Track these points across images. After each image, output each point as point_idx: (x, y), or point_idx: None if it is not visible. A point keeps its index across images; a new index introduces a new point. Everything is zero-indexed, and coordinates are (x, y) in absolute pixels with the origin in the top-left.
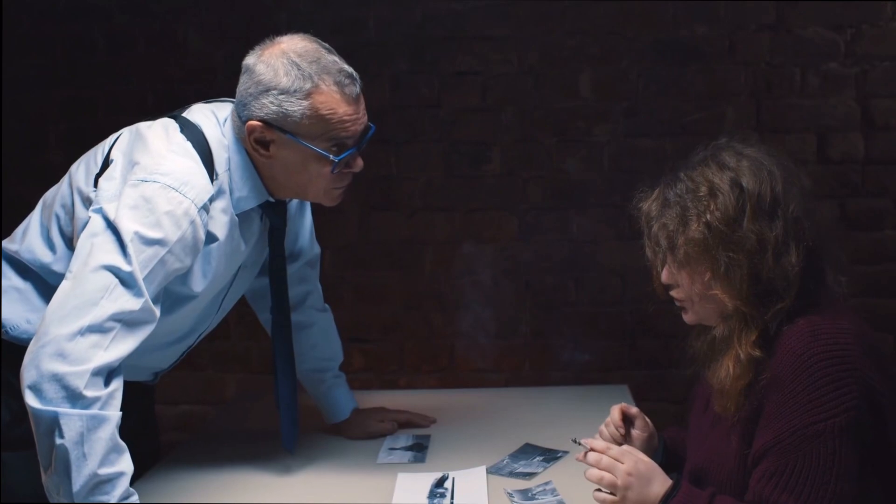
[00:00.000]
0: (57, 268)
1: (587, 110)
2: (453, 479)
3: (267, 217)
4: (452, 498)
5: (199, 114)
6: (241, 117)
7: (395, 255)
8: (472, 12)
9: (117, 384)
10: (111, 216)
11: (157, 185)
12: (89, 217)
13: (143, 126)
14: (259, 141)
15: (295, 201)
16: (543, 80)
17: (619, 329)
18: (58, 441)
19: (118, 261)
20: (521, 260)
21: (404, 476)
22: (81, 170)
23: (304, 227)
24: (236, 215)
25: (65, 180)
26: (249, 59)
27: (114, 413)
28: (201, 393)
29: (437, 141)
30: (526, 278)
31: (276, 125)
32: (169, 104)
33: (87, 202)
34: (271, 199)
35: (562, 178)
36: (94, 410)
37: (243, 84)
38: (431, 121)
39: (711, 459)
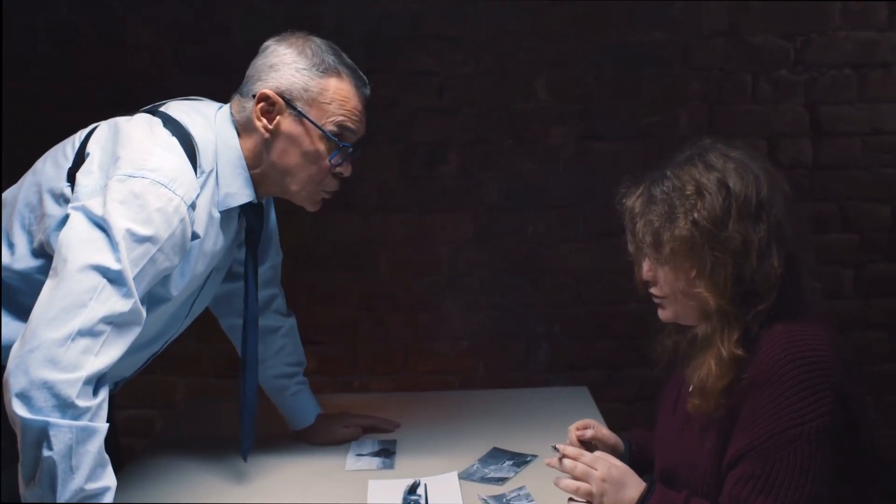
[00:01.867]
0: (18, 266)
1: (544, 112)
2: (425, 485)
3: (245, 218)
4: None
5: (178, 110)
6: (250, 92)
7: (350, 257)
8: (429, 12)
9: (105, 394)
10: (97, 212)
11: (147, 181)
12: (66, 214)
13: (122, 120)
14: (266, 112)
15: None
16: (500, 81)
17: (575, 330)
18: (45, 453)
19: (106, 259)
20: (477, 261)
21: (375, 483)
22: (49, 165)
23: (271, 231)
24: (219, 213)
25: (27, 178)
26: (270, 42)
27: (102, 425)
28: (150, 397)
29: (393, 141)
30: (481, 279)
31: (289, 97)
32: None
33: (61, 198)
34: (256, 201)
35: (518, 180)
36: (84, 422)
37: (260, 60)
38: (387, 121)
39: (683, 460)
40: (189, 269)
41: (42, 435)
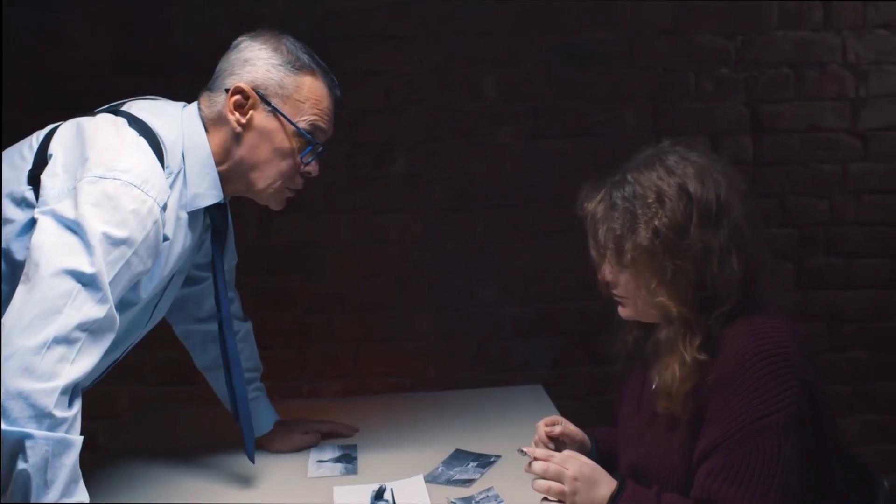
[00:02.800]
0: None
1: (491, 112)
2: (391, 489)
3: (210, 218)
4: None
5: (141, 109)
6: (222, 86)
7: (297, 259)
8: (376, 10)
9: (79, 405)
10: (69, 215)
11: (119, 183)
12: (30, 219)
13: (85, 120)
14: (239, 106)
15: None
16: (448, 80)
17: (524, 329)
18: (20, 465)
19: (80, 263)
20: (426, 261)
21: (340, 489)
22: (5, 169)
23: (228, 233)
24: (187, 213)
25: None
26: (243, 37)
27: (77, 438)
28: (92, 407)
29: (340, 141)
30: (430, 280)
31: (263, 93)
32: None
33: (23, 202)
34: (223, 202)
35: (466, 179)
36: (60, 434)
37: (233, 55)
38: (334, 121)
39: (651, 456)
40: (157, 272)
41: (18, 447)
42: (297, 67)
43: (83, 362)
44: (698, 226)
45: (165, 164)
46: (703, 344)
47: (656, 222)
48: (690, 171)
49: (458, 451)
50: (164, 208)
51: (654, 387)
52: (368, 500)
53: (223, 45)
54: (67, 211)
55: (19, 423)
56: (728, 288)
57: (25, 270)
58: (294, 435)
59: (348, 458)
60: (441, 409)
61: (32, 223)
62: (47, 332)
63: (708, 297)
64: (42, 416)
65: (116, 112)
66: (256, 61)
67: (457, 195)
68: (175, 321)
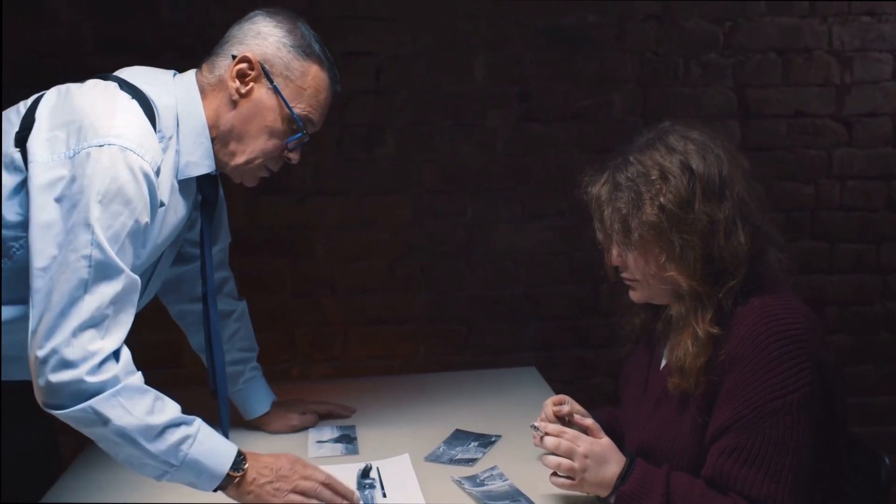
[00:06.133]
0: None
1: (481, 94)
2: (378, 468)
3: (202, 191)
4: (383, 487)
5: (132, 74)
6: (229, 52)
7: (285, 241)
8: None
9: (126, 353)
10: (66, 192)
11: (115, 148)
12: (19, 182)
13: (74, 86)
14: (242, 75)
15: None
16: (437, 62)
17: (513, 312)
18: (105, 429)
19: (86, 247)
20: (415, 244)
21: (326, 469)
22: None
23: (221, 212)
24: (178, 182)
25: None
26: (259, 11)
27: (134, 378)
28: None
29: (329, 123)
30: (420, 263)
31: (268, 69)
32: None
33: (10, 165)
34: (214, 172)
35: (456, 162)
36: (119, 385)
37: (246, 25)
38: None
39: (661, 436)
40: (151, 239)
41: (93, 417)
42: (307, 54)
43: (116, 333)
44: (702, 200)
45: (158, 128)
46: (715, 318)
47: (661, 199)
48: (692, 148)
49: (458, 431)
50: (157, 172)
51: (661, 367)
52: (355, 479)
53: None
54: (64, 186)
55: (79, 402)
56: (736, 260)
57: (33, 261)
58: (291, 415)
59: (348, 439)
60: (436, 390)
61: (21, 186)
62: (72, 324)
63: (717, 270)
64: (94, 392)
65: (106, 77)
66: (269, 37)
67: (446, 178)
68: (170, 302)
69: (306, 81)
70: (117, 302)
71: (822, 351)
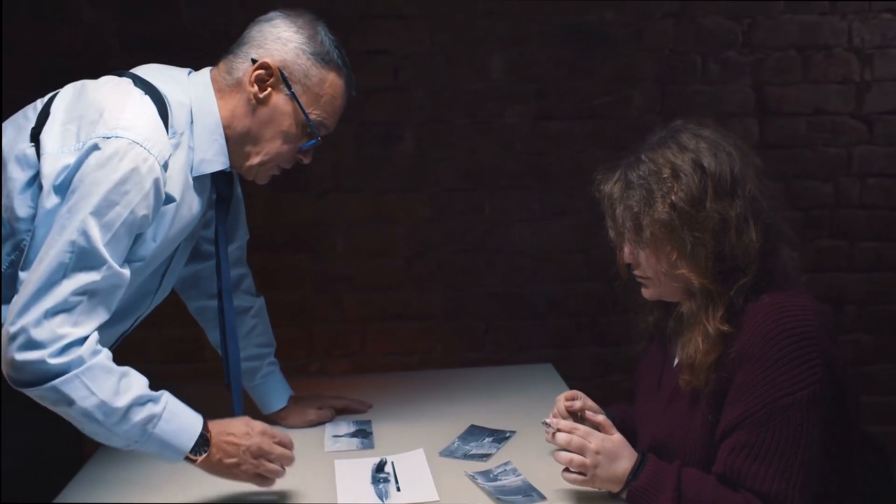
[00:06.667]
0: None
1: (498, 92)
2: (392, 462)
3: (216, 187)
4: (397, 482)
5: (147, 72)
6: (248, 54)
7: (305, 238)
8: None
9: (94, 335)
10: (69, 180)
11: (123, 141)
12: (31, 176)
13: (90, 82)
14: (260, 79)
15: None
16: (455, 60)
17: (530, 309)
18: (69, 409)
19: (74, 233)
20: (433, 241)
21: (342, 462)
22: (9, 130)
23: (238, 208)
24: (193, 178)
25: None
26: (278, 13)
27: (99, 358)
28: None
29: (348, 121)
30: (438, 260)
31: (286, 75)
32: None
33: (24, 160)
34: (229, 169)
35: (473, 160)
36: (82, 368)
37: (266, 27)
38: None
39: (673, 433)
40: (162, 232)
41: (57, 397)
42: (326, 62)
43: (87, 323)
44: (714, 198)
45: (170, 125)
46: (725, 316)
47: (672, 197)
48: (703, 146)
49: (472, 426)
50: (165, 166)
51: (675, 364)
52: (369, 473)
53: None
54: (66, 175)
55: (43, 382)
56: (747, 258)
57: (38, 241)
58: (309, 410)
59: (363, 434)
60: (453, 386)
61: (33, 180)
62: (44, 306)
63: (728, 268)
64: (56, 373)
65: (121, 73)
66: (289, 43)
67: (464, 175)
68: (189, 298)
69: (324, 88)
70: (94, 293)
71: (833, 348)
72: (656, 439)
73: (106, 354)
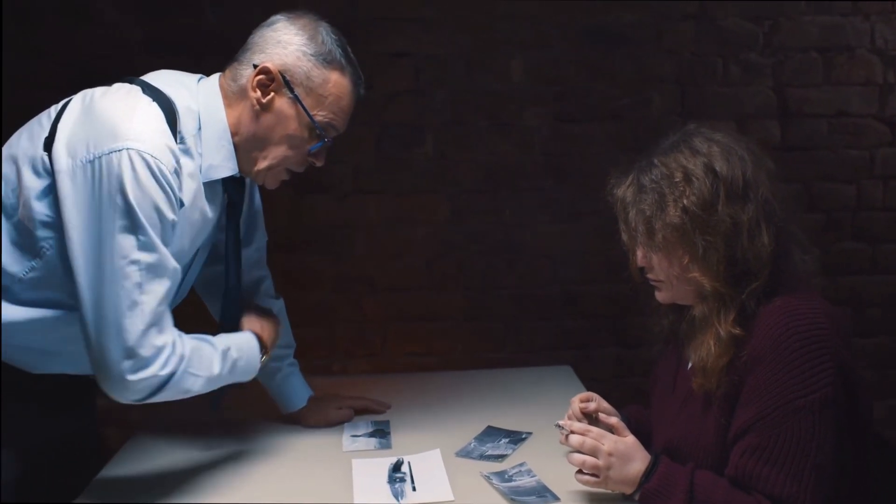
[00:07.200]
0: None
1: (518, 94)
2: (409, 462)
3: (227, 192)
4: (413, 481)
5: (157, 79)
6: (251, 60)
7: (326, 239)
8: None
9: (173, 331)
10: (96, 201)
11: (133, 152)
12: (47, 184)
13: (98, 91)
14: (263, 85)
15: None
16: (475, 63)
17: (550, 310)
18: (187, 393)
19: (133, 251)
20: (453, 243)
21: (359, 462)
22: (24, 139)
23: (256, 211)
24: (203, 184)
25: (2, 153)
26: (280, 16)
27: (188, 346)
28: None
29: (369, 123)
30: (458, 261)
31: (288, 78)
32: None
33: (38, 167)
34: (238, 175)
35: (493, 162)
36: (185, 364)
37: (268, 32)
38: (363, 103)
39: (687, 435)
40: (175, 238)
41: (177, 392)
42: (328, 61)
43: (168, 322)
44: (726, 202)
45: (178, 131)
46: (737, 319)
47: (685, 201)
48: (716, 150)
49: (489, 427)
50: (175, 172)
51: (688, 367)
52: (386, 473)
53: (255, 26)
54: (90, 195)
55: (160, 392)
56: (759, 261)
57: (78, 267)
58: (328, 410)
59: (381, 434)
60: (472, 387)
61: (49, 189)
62: (138, 327)
63: (740, 271)
64: (169, 378)
65: (132, 80)
66: (289, 45)
67: (484, 177)
68: (211, 301)
69: (327, 89)
70: (167, 296)
71: (845, 351)
72: (670, 442)
73: (187, 339)
